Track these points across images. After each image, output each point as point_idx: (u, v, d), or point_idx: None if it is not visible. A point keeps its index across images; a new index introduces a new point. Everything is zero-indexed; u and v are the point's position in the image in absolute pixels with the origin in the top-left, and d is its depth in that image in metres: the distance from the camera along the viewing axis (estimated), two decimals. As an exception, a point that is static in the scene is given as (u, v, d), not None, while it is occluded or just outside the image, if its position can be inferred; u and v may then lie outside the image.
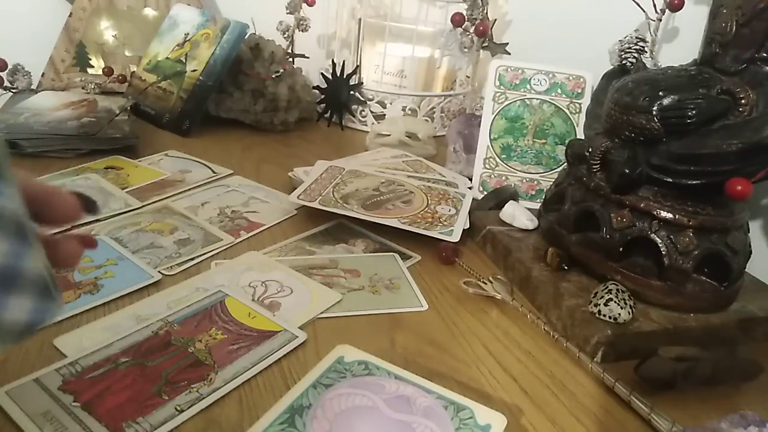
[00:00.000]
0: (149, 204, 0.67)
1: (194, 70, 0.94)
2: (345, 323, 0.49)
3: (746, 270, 0.53)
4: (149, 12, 1.08)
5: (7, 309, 0.22)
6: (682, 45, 0.77)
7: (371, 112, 1.03)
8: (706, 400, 0.44)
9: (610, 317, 0.48)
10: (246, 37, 0.95)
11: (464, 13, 0.93)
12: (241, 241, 0.61)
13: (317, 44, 1.17)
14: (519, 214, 0.64)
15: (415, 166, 0.79)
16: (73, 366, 0.41)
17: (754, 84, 0.48)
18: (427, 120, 1.02)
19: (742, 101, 0.48)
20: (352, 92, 1.00)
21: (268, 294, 0.52)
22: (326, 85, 1.01)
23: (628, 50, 0.71)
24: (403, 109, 1.02)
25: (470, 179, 0.76)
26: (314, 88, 1.04)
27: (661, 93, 0.50)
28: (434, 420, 0.39)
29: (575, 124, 0.75)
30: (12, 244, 0.22)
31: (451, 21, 0.93)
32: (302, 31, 1.03)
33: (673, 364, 0.44)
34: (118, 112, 0.87)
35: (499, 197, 0.69)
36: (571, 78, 0.75)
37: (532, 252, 0.59)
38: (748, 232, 0.53)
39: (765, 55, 0.48)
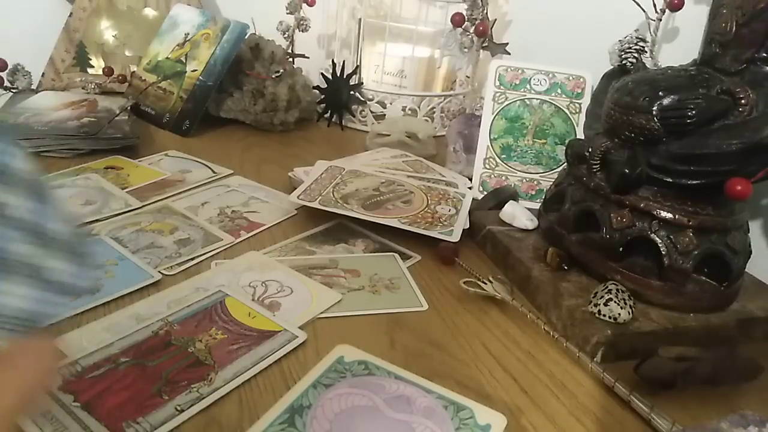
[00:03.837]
0: (149, 204, 0.67)
1: (194, 70, 0.94)
2: (345, 323, 0.49)
3: (746, 270, 0.53)
4: (149, 12, 1.08)
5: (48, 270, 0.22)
6: (682, 45, 0.77)
7: (371, 112, 1.03)
8: (706, 400, 0.44)
9: (610, 317, 0.48)
10: (246, 37, 0.95)
11: (464, 13, 0.93)
12: (241, 241, 0.61)
13: (317, 44, 1.17)
14: (519, 214, 0.64)
15: (415, 166, 0.79)
16: (74, 366, 0.41)
17: (754, 84, 0.48)
18: (427, 120, 1.02)
19: (742, 101, 0.48)
20: (352, 92, 1.00)
21: (268, 294, 0.52)
22: (326, 85, 1.01)
23: (628, 50, 0.71)
24: (403, 109, 1.02)
25: (470, 179, 0.76)
26: (314, 88, 1.04)
27: (661, 93, 0.50)
28: (434, 420, 0.39)
29: (575, 124, 0.75)
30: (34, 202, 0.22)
31: (451, 21, 0.93)
32: (302, 31, 1.03)
33: (673, 364, 0.44)
34: (118, 112, 0.87)
35: (499, 197, 0.69)
36: (571, 78, 0.75)
37: (532, 252, 0.59)
38: (748, 232, 0.53)
39: (765, 55, 0.48)
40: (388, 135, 0.91)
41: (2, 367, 0.22)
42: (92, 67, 1.05)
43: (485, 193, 0.73)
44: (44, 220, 0.24)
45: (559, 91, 0.75)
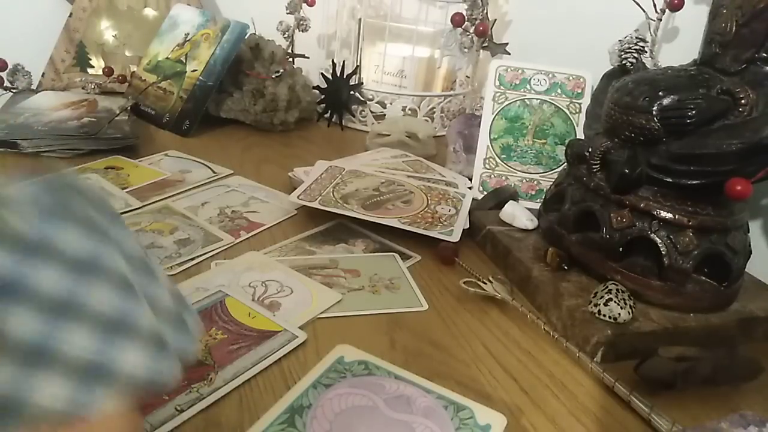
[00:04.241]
0: (149, 204, 0.67)
1: (194, 70, 0.94)
2: (345, 323, 0.49)
3: (746, 270, 0.53)
4: (149, 12, 1.08)
5: (122, 355, 0.21)
6: (682, 45, 0.77)
7: (371, 112, 1.03)
8: (706, 400, 0.44)
9: (610, 317, 0.48)
10: (246, 37, 0.95)
11: (464, 13, 0.93)
12: (241, 241, 0.61)
13: (317, 44, 1.17)
14: (519, 214, 0.64)
15: (415, 166, 0.79)
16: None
17: (754, 84, 0.48)
18: (427, 120, 1.02)
19: (742, 101, 0.48)
20: (352, 92, 1.00)
21: (268, 294, 0.52)
22: (326, 85, 1.01)
23: (628, 50, 0.71)
24: (403, 109, 1.02)
25: (470, 179, 0.76)
26: (314, 88, 1.04)
27: (661, 93, 0.50)
28: (434, 420, 0.39)
29: (575, 124, 0.75)
30: (122, 298, 0.22)
31: (451, 21, 0.93)
32: (302, 31, 1.03)
33: (673, 364, 0.44)
34: (118, 112, 0.87)
35: (499, 197, 0.69)
36: (570, 78, 0.75)
37: (532, 252, 0.59)
38: (748, 232, 0.53)
39: (765, 55, 0.48)
40: (388, 135, 0.91)
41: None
42: (92, 67, 1.05)
43: (485, 193, 0.73)
44: (154, 293, 0.24)
45: (559, 91, 0.75)
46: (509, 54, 0.93)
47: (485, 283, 0.54)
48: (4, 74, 0.95)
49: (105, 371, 0.21)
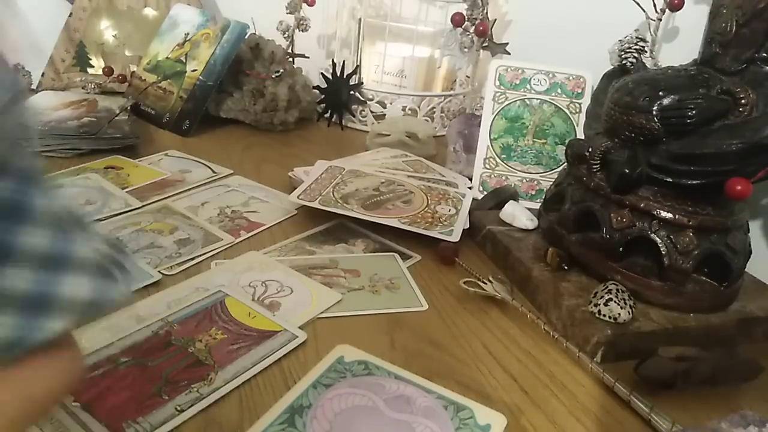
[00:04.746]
0: (149, 204, 0.67)
1: (194, 70, 0.94)
2: (345, 323, 0.49)
3: (746, 270, 0.53)
4: (149, 12, 1.08)
5: (62, 286, 0.22)
6: (682, 45, 0.77)
7: (371, 112, 1.03)
8: (706, 400, 0.44)
9: (610, 317, 0.48)
10: (246, 37, 0.95)
11: (464, 13, 0.93)
12: (241, 241, 0.61)
13: (317, 44, 1.17)
14: (519, 214, 0.64)
15: (415, 166, 0.79)
16: (73, 366, 0.41)
17: (754, 84, 0.48)
18: (427, 120, 1.02)
19: (742, 101, 0.48)
20: (352, 92, 1.00)
21: (268, 294, 0.52)
22: (326, 85, 1.01)
23: (628, 50, 0.71)
24: (403, 109, 1.02)
25: (470, 179, 0.76)
26: (314, 88, 1.04)
27: (661, 93, 0.50)
28: (434, 420, 0.39)
29: (575, 124, 0.75)
30: (55, 236, 0.22)
31: (451, 21, 0.93)
32: (302, 31, 1.03)
33: (673, 364, 0.44)
34: (118, 112, 0.87)
35: (499, 197, 0.69)
36: (571, 78, 0.75)
37: (532, 252, 0.59)
38: (748, 232, 0.53)
39: (765, 55, 0.48)
40: (388, 135, 0.91)
41: (18, 374, 0.22)
42: (92, 67, 1.05)
43: (485, 193, 0.73)
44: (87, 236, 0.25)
45: (559, 91, 0.75)
46: (509, 54, 0.93)
47: (485, 283, 0.54)
48: (4, 74, 0.95)
49: (46, 299, 0.21)
